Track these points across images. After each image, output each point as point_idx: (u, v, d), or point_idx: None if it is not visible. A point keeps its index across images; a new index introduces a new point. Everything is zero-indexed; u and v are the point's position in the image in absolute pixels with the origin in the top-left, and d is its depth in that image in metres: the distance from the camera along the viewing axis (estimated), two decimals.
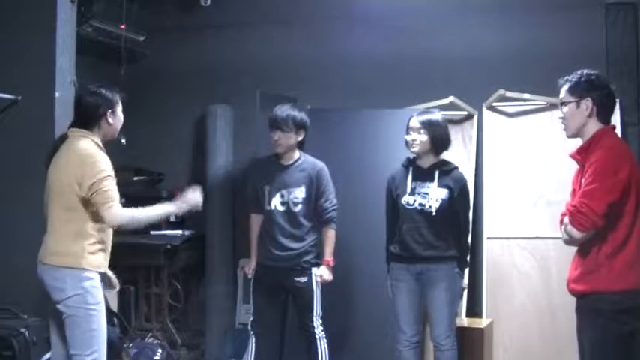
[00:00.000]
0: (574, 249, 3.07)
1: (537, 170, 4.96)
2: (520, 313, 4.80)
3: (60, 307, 3.12)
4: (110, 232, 3.28)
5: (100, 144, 3.23)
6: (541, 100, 5.02)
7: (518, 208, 4.96)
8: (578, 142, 3.07)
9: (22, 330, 3.88)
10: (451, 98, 5.00)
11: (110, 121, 3.25)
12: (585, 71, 3.03)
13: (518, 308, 4.81)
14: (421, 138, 3.88)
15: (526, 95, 5.00)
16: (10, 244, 4.28)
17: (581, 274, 2.93)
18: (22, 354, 3.85)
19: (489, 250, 4.92)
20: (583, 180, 2.92)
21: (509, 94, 4.97)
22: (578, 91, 2.99)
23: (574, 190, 3.03)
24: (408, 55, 5.42)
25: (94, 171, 3.10)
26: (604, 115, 3.00)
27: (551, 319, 4.69)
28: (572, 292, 2.99)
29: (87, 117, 3.24)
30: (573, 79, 3.02)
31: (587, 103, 2.96)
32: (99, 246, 3.18)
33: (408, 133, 3.94)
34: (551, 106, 4.98)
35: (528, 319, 4.77)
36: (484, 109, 5.14)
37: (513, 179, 5.00)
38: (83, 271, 3.11)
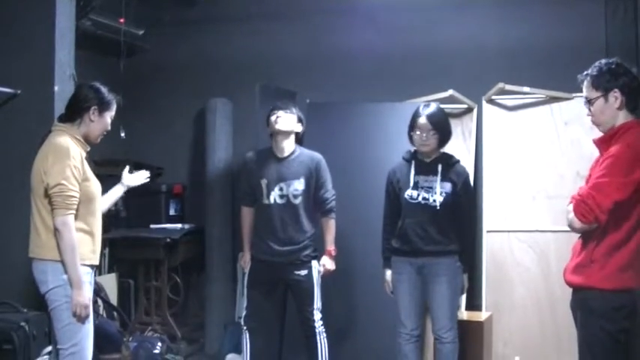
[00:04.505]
0: (573, 242, 3.05)
1: (537, 163, 4.95)
2: (520, 306, 4.79)
3: (45, 300, 3.12)
4: (98, 219, 3.24)
5: (80, 139, 3.19)
6: (541, 94, 5.01)
7: (517, 202, 4.95)
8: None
9: (22, 324, 3.88)
10: (450, 91, 4.98)
11: (92, 118, 3.20)
12: (604, 61, 2.87)
13: (517, 301, 4.81)
14: (432, 138, 3.84)
15: (526, 88, 4.98)
16: (9, 238, 4.28)
17: (576, 266, 2.88)
18: (23, 348, 3.85)
19: (489, 243, 4.91)
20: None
21: (508, 87, 4.95)
22: (604, 83, 2.83)
23: (590, 177, 2.92)
24: (408, 49, 5.42)
25: (60, 167, 3.05)
26: (633, 103, 2.84)
27: (550, 312, 4.69)
28: (568, 283, 2.94)
29: (73, 107, 3.22)
30: (594, 73, 2.86)
31: (615, 95, 2.81)
32: (81, 236, 3.12)
33: (415, 132, 3.87)
34: (551, 99, 4.98)
35: (528, 313, 4.77)
36: (484, 102, 5.13)
37: (513, 172, 4.99)
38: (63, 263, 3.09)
